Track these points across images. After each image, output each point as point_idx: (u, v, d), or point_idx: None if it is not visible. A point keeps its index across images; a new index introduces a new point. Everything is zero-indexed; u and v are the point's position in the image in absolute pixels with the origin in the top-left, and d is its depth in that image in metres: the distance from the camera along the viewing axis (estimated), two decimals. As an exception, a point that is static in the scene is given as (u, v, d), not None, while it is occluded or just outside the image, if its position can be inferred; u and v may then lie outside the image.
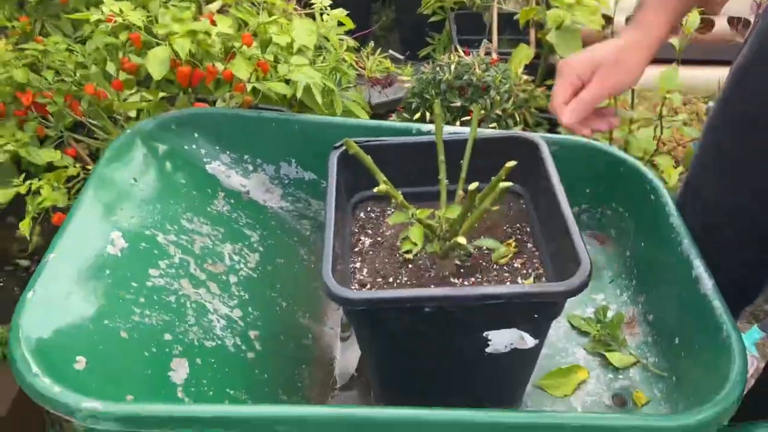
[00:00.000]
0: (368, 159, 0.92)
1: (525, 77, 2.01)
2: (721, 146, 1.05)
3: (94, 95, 1.32)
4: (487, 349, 0.94)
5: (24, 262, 1.81)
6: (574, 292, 0.83)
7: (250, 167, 1.33)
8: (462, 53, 2.02)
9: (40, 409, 1.33)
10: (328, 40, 1.52)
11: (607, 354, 1.13)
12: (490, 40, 2.32)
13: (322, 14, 1.48)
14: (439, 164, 0.99)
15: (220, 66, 1.33)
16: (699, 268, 0.99)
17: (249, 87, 1.37)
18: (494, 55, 2.16)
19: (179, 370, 0.93)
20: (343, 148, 1.04)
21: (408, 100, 1.95)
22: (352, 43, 1.59)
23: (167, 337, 0.95)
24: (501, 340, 0.93)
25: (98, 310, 0.90)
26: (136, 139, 1.20)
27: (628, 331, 1.16)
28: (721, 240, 1.08)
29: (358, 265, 1.00)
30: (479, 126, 1.06)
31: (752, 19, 1.90)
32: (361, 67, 1.72)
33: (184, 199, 1.17)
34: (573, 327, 1.20)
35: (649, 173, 1.19)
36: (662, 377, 1.06)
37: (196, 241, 1.12)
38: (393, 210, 1.10)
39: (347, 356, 1.19)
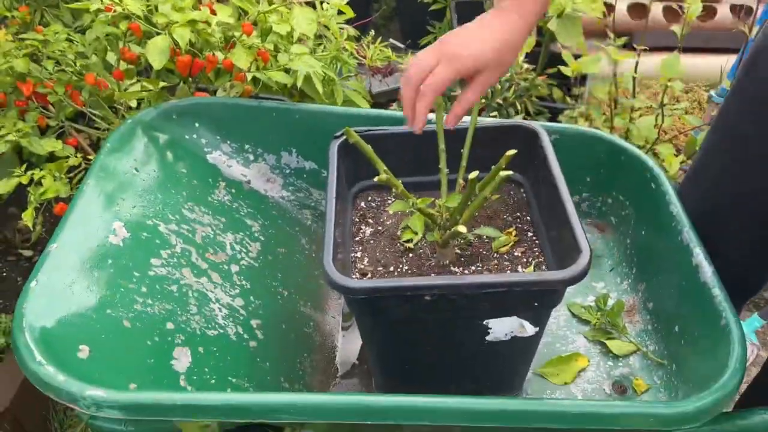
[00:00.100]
0: (369, 148, 0.92)
1: (526, 66, 2.00)
2: (732, 130, 1.05)
3: (94, 85, 1.32)
4: (488, 338, 0.94)
5: (27, 252, 1.81)
6: (574, 280, 0.83)
7: (251, 157, 1.33)
8: (463, 42, 2.00)
9: (46, 399, 1.34)
10: (328, 29, 1.51)
11: (608, 342, 1.14)
12: (491, 29, 2.30)
13: (322, 3, 1.47)
14: (439, 153, 0.99)
15: (220, 55, 1.33)
16: (699, 256, 0.99)
17: (249, 76, 1.37)
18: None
19: (182, 359, 0.93)
20: (344, 137, 1.04)
21: (409, 89, 1.93)
22: (352, 32, 1.58)
23: (169, 326, 0.96)
24: (501, 328, 0.93)
25: (101, 300, 0.90)
26: (137, 129, 1.20)
27: (628, 319, 1.16)
28: (724, 225, 1.08)
29: (359, 254, 1.01)
30: (480, 115, 1.06)
31: (755, 7, 1.89)
32: (361, 56, 1.71)
33: (185, 188, 1.18)
34: (573, 315, 1.20)
35: (650, 162, 1.19)
36: (662, 365, 1.07)
37: (198, 231, 1.13)
38: (393, 199, 1.10)
39: (348, 345, 1.20)
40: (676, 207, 1.08)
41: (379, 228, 1.06)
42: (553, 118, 2.05)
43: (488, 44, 0.88)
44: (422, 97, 0.88)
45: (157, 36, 1.26)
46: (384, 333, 0.98)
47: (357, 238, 1.04)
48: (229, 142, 1.31)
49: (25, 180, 1.24)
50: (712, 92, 1.91)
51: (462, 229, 0.89)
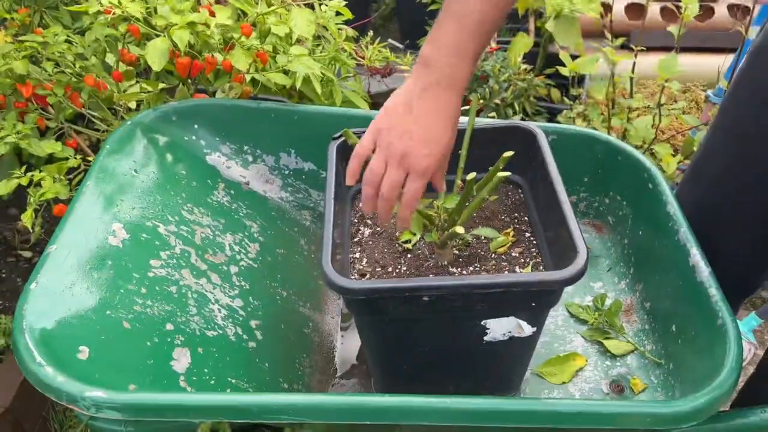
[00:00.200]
0: (367, 149, 0.93)
1: (524, 66, 2.01)
2: (732, 129, 1.05)
3: (94, 86, 1.32)
4: (486, 338, 0.95)
5: (26, 253, 1.82)
6: (571, 280, 0.83)
7: (250, 158, 1.34)
8: (461, 42, 2.01)
9: (45, 400, 1.35)
10: (326, 30, 1.52)
11: (605, 341, 1.14)
12: (490, 29, 2.31)
13: (320, 4, 1.47)
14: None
15: (219, 57, 1.34)
16: (696, 256, 1.00)
17: (248, 78, 1.37)
18: (493, 44, 2.15)
19: (181, 360, 0.94)
20: (342, 138, 1.04)
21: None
22: (351, 32, 1.58)
23: (169, 327, 0.96)
24: (499, 328, 0.94)
25: (100, 301, 0.91)
26: (137, 131, 1.20)
27: (625, 318, 1.17)
28: (725, 224, 1.09)
29: (357, 255, 1.01)
30: (478, 115, 1.06)
31: (752, 6, 1.89)
32: (360, 57, 1.72)
33: (184, 190, 1.18)
34: (571, 315, 1.21)
35: (647, 162, 1.20)
36: (659, 364, 1.07)
37: (197, 232, 1.13)
38: (392, 200, 1.11)
39: (347, 345, 1.20)
40: (673, 207, 1.09)
41: (378, 229, 1.06)
42: (551, 119, 2.06)
43: (434, 143, 0.82)
44: (384, 202, 0.84)
45: (157, 38, 1.26)
46: (382, 333, 0.98)
47: (356, 239, 1.05)
48: (228, 143, 1.32)
49: (24, 181, 1.25)
50: (710, 92, 1.92)
51: (460, 230, 0.90)
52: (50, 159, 1.33)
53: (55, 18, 1.56)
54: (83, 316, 0.88)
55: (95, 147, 1.50)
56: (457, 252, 1.00)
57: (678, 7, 1.68)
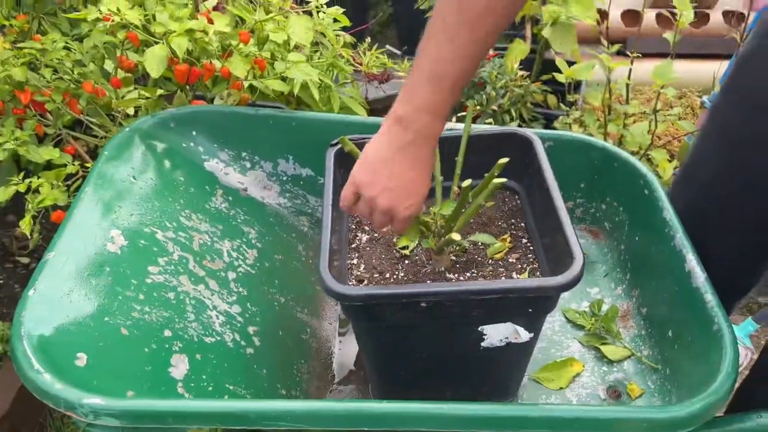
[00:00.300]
0: (364, 156, 0.93)
1: (521, 73, 2.01)
2: (723, 131, 1.06)
3: (92, 93, 1.33)
4: (483, 344, 0.95)
5: (24, 260, 1.82)
6: (567, 286, 0.84)
7: (248, 164, 1.34)
8: (458, 49, 2.01)
9: (42, 406, 1.34)
10: (324, 36, 1.52)
11: (602, 347, 1.14)
12: (487, 35, 2.31)
13: (318, 12, 1.48)
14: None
15: (217, 63, 1.34)
16: (692, 261, 1.00)
17: (246, 84, 1.38)
18: (490, 51, 2.16)
19: (179, 366, 0.94)
20: (340, 145, 1.05)
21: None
22: (348, 39, 1.59)
23: (167, 333, 0.96)
24: (496, 334, 0.94)
25: (99, 308, 0.91)
26: (135, 137, 1.20)
27: (622, 324, 1.17)
28: (713, 228, 1.10)
29: (355, 261, 1.02)
30: (475, 122, 1.07)
31: (746, 13, 1.91)
32: (358, 63, 1.72)
33: (182, 196, 1.18)
34: (568, 320, 1.21)
35: (643, 168, 1.20)
36: (656, 369, 1.08)
37: (195, 238, 1.13)
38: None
39: (345, 351, 1.20)
40: (669, 213, 1.10)
41: (376, 235, 1.07)
42: (548, 125, 2.07)
43: (413, 194, 0.85)
44: (377, 227, 0.89)
45: (155, 45, 1.27)
46: (380, 339, 0.98)
47: (353, 245, 1.05)
48: (226, 149, 1.32)
49: (22, 188, 1.25)
50: (705, 98, 1.93)
51: (456, 236, 0.90)
52: (48, 165, 1.33)
53: (53, 24, 1.57)
54: (81, 322, 0.88)
55: (93, 153, 1.50)
56: (454, 258, 1.00)
57: (673, 14, 1.69)
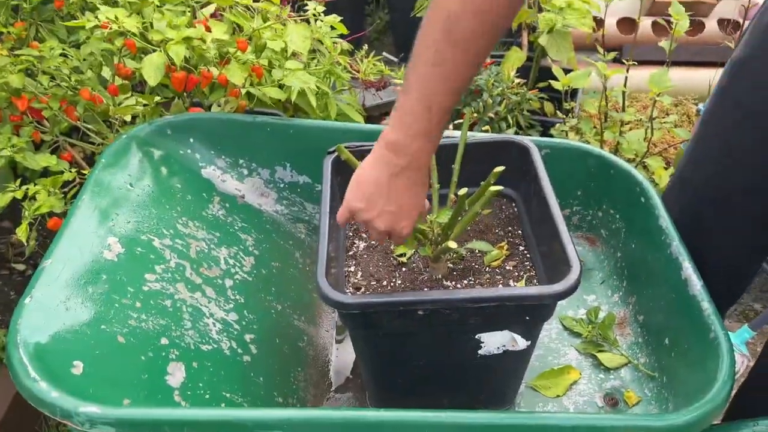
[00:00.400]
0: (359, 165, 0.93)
1: (517, 80, 2.02)
2: (717, 136, 1.07)
3: (89, 100, 1.33)
4: (480, 351, 0.95)
5: (20, 267, 1.81)
6: (564, 294, 0.84)
7: (245, 171, 1.34)
8: (455, 56, 2.02)
9: (38, 414, 1.34)
10: (322, 44, 1.53)
11: (599, 354, 1.15)
12: (483, 43, 2.32)
13: (316, 19, 1.49)
14: (430, 169, 1.00)
15: (215, 71, 1.34)
16: (688, 269, 1.01)
17: (244, 92, 1.38)
18: (487, 59, 2.17)
19: (176, 374, 0.94)
20: (337, 153, 1.05)
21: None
22: (346, 46, 1.60)
23: (163, 341, 0.96)
24: (493, 341, 0.94)
25: (95, 315, 0.91)
26: (132, 144, 1.20)
27: (619, 331, 1.18)
28: (708, 233, 1.10)
29: (352, 268, 1.02)
30: (472, 129, 1.07)
31: (741, 21, 1.92)
32: (355, 70, 1.73)
33: (179, 203, 1.18)
34: (565, 328, 1.21)
35: (639, 175, 1.21)
36: (653, 377, 1.08)
37: (192, 246, 1.13)
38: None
39: (342, 358, 1.20)
40: (666, 220, 1.10)
41: (373, 242, 1.07)
42: (545, 132, 2.07)
43: (409, 216, 0.86)
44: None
45: (153, 52, 1.27)
46: (377, 347, 0.98)
47: (350, 253, 1.05)
48: (223, 156, 1.32)
49: (19, 195, 1.25)
50: (701, 105, 1.94)
51: (452, 244, 0.90)
52: (45, 172, 1.33)
53: (51, 32, 1.57)
54: (78, 330, 0.88)
55: (90, 160, 1.50)
56: (451, 265, 1.00)
57: (669, 22, 1.70)
